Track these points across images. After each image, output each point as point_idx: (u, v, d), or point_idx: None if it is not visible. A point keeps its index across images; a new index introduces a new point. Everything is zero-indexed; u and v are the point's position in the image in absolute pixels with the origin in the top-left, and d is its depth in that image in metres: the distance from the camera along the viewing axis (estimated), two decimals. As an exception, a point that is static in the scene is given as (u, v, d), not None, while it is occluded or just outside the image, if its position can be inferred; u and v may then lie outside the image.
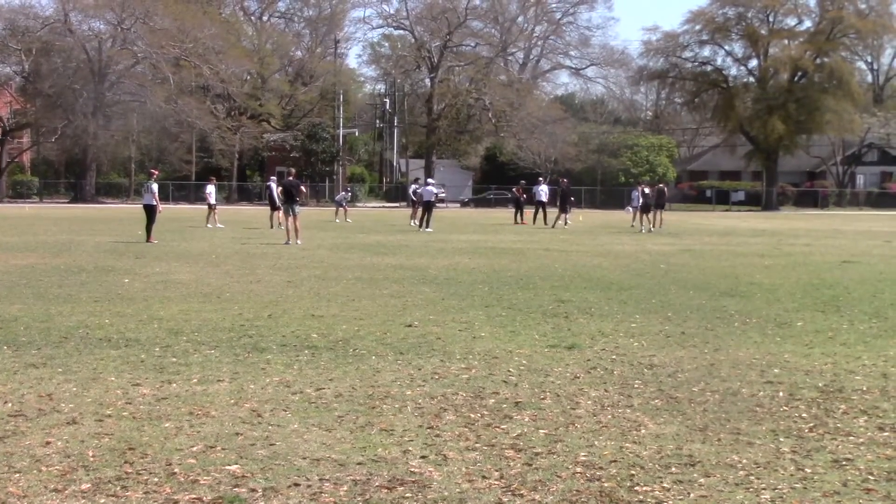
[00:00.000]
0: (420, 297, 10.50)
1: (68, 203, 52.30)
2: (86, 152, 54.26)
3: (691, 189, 67.53)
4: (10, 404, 5.29)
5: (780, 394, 5.82)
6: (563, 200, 31.02)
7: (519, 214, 32.88)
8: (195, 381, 5.99)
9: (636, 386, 5.97)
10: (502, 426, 4.94)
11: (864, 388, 5.99)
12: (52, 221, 29.30)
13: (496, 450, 4.51)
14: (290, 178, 20.92)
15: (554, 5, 69.14)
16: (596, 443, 4.65)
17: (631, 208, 29.48)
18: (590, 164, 63.69)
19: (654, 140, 64.72)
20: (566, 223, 30.25)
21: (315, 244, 19.85)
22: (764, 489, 3.99)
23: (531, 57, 71.69)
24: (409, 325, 8.34)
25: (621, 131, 68.59)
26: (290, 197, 20.17)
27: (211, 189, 29.22)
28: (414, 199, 31.23)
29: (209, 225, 26.98)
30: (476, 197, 62.68)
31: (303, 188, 21.36)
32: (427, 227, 26.83)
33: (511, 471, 4.20)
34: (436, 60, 61.95)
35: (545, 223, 31.15)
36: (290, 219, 20.02)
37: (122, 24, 53.21)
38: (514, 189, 34.78)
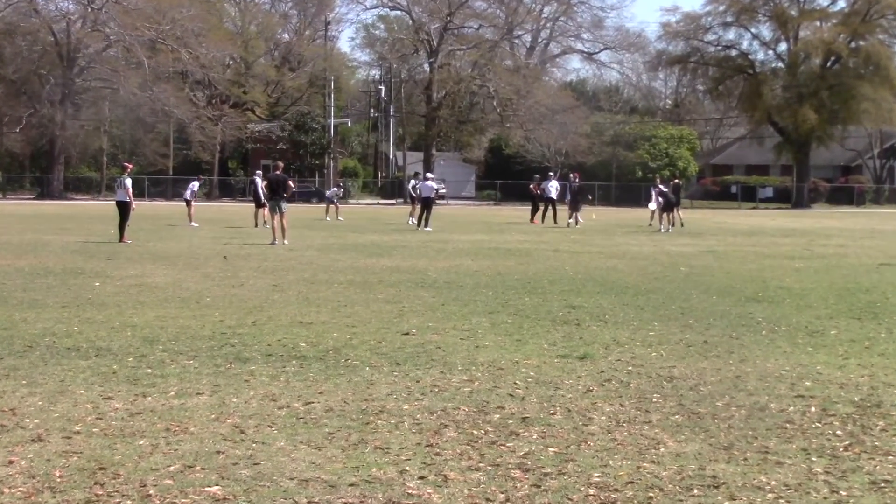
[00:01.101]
0: (418, 303, 10.50)
1: (34, 199, 52.27)
2: (53, 144, 54.33)
3: (714, 185, 67.58)
4: (-31, 419, 5.32)
5: (812, 409, 5.82)
6: (574, 197, 31.08)
7: (535, 213, 33.00)
8: (172, 394, 5.99)
9: (654, 400, 5.98)
10: (508, 444, 4.94)
11: (904, 403, 6.04)
12: (16, 219, 29.33)
13: (501, 470, 4.51)
14: (277, 172, 20.94)
15: (565, -17, 69.50)
16: (610, 462, 4.65)
17: (654, 202, 29.34)
18: (603, 157, 63.71)
19: (673, 131, 64.70)
20: (577, 222, 30.27)
21: (303, 244, 19.85)
22: (794, 513, 4.02)
23: (539, 40, 71.80)
24: (407, 333, 8.34)
25: (638, 121, 68.56)
26: (276, 193, 20.20)
27: (194, 185, 29.54)
28: (412, 195, 31.31)
29: (195, 224, 27.12)
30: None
31: (291, 184, 21.42)
32: (426, 225, 26.86)
33: (518, 493, 4.19)
34: (435, 44, 61.94)
35: (555, 222, 31.20)
36: (277, 217, 20.06)
37: (93, 4, 53.30)
38: (530, 186, 34.76)
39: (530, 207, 34.40)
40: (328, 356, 7.25)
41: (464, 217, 38.63)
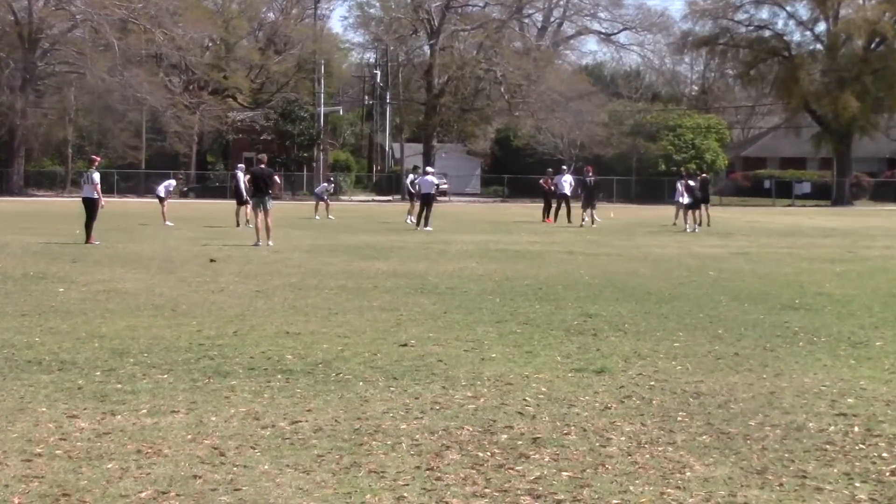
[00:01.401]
0: (417, 311, 10.52)
1: (-8, 196, 52.53)
2: (13, 134, 54.41)
3: (746, 179, 67.59)
4: (-81, 440, 5.31)
5: (856, 429, 5.81)
6: (589, 193, 31.10)
7: (548, 211, 33.07)
8: (144, 412, 5.99)
9: (679, 419, 5.99)
10: (517, 467, 4.95)
11: (958, 422, 6.03)
12: (-29, 218, 29.49)
13: (510, 496, 4.51)
14: (261, 165, 20.98)
15: (579, -44, 69.57)
16: (631, 488, 4.64)
17: (683, 196, 29.23)
18: (623, 149, 63.72)
19: (700, 120, 64.70)
20: (594, 221, 30.34)
21: (290, 246, 19.90)
22: (836, 545, 4.01)
23: (552, 20, 71.83)
24: (405, 345, 8.34)
25: (661, 109, 68.62)
26: (260, 189, 20.24)
27: (170, 184, 29.66)
28: (410, 191, 31.35)
29: (169, 223, 27.25)
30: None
31: (276, 178, 21.39)
32: (426, 225, 26.91)
33: (528, 522, 4.23)
34: (436, 24, 62.02)
35: (569, 221, 31.21)
36: (261, 215, 20.10)
37: (57, -21, 53.53)
38: (541, 181, 34.87)
39: (542, 205, 34.42)
40: (317, 370, 7.27)
41: (468, 215, 38.54)
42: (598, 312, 10.51)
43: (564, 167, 37.21)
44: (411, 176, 32.28)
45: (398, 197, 58.40)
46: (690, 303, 11.41)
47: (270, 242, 19.75)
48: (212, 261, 16.37)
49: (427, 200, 27.51)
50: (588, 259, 17.73)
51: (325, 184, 36.72)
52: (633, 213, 43.12)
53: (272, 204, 20.61)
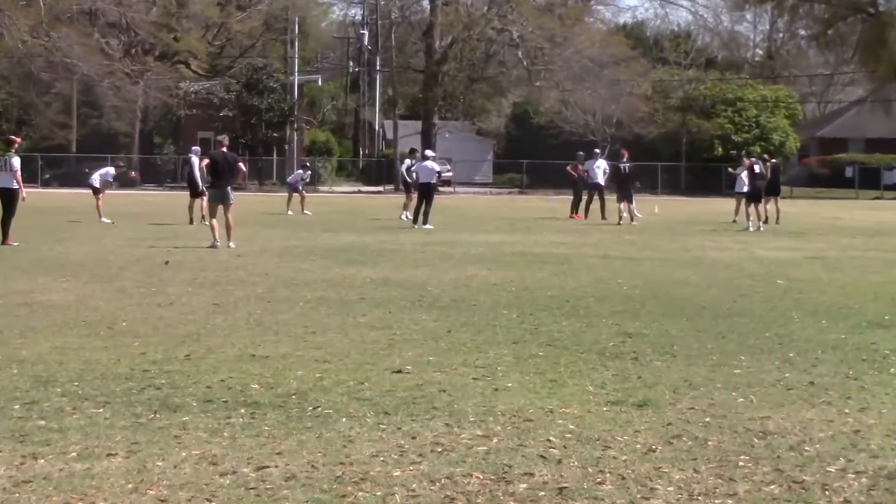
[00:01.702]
0: (415, 329, 10.53)
1: None
2: None
3: (823, 166, 67.51)
4: None
5: (961, 477, 5.89)
6: (624, 183, 31.11)
7: (577, 205, 33.21)
8: (74, 454, 5.96)
9: (741, 464, 5.97)
10: (539, 525, 4.96)
11: None
12: None
13: (529, 561, 4.53)
14: (222, 149, 20.96)
15: None
16: (681, 551, 4.68)
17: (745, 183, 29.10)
18: (670, 127, 63.71)
19: (766, 92, 64.66)
20: (633, 217, 30.38)
21: (256, 248, 19.95)
22: None
23: (581, -33, 71.90)
24: (399, 371, 8.33)
25: (717, 79, 68.56)
26: (221, 178, 20.25)
27: (108, 172, 29.94)
28: (406, 180, 31.44)
29: (105, 219, 27.39)
30: None
31: (241, 164, 21.35)
32: (425, 222, 27.02)
33: None
34: (438, -28, 62.15)
35: (602, 216, 31.26)
36: (219, 210, 20.13)
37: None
38: (568, 168, 34.94)
39: (571, 197, 34.45)
40: (290, 403, 7.26)
41: (478, 210, 38.55)
42: (640, 331, 10.50)
43: (597, 150, 37.23)
44: (407, 161, 32.22)
45: (391, 188, 58.34)
46: (754, 319, 11.40)
47: (232, 244, 19.75)
48: (166, 263, 16.36)
49: (427, 192, 27.50)
50: (627, 264, 17.72)
51: (301, 171, 36.74)
52: (683, 207, 43.07)
53: (234, 196, 20.61)
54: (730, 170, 31.72)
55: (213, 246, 19.64)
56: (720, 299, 13.12)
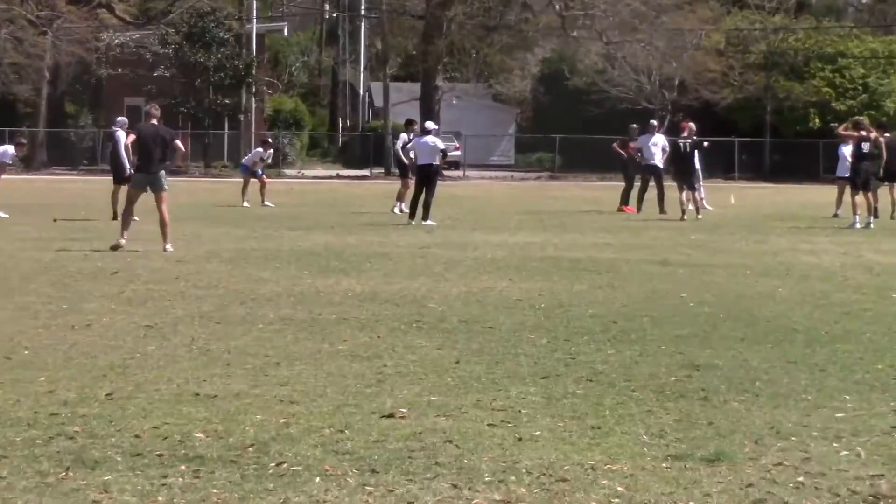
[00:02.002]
0: (412, 359, 10.40)
1: None
2: None
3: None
4: None
5: None
6: (683, 164, 31.02)
7: (628, 194, 33.52)
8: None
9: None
10: None
11: None
12: None
13: None
14: (153, 121, 20.94)
15: None
16: None
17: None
18: (750, 92, 63.33)
19: (876, 45, 64.71)
20: (698, 210, 30.32)
21: (202, 252, 20.05)
22: None
23: None
24: (391, 416, 8.24)
25: (811, 28, 68.52)
26: (150, 159, 20.33)
27: (3, 151, 30.28)
28: (404, 161, 31.19)
29: (2, 213, 27.78)
30: None
31: (178, 143, 21.47)
32: (426, 217, 27.08)
33: None
34: None
35: (661, 209, 31.38)
36: (143, 199, 20.33)
37: None
38: (615, 144, 35.22)
39: (622, 183, 34.56)
40: (245, 457, 7.19)
41: (496, 201, 38.91)
42: (711, 362, 10.35)
43: (653, 122, 36.97)
44: (403, 137, 32.07)
45: (379, 171, 58.56)
46: (862, 346, 11.26)
47: (168, 246, 19.77)
48: (114, 273, 16.43)
49: (427, 177, 27.49)
50: (693, 273, 17.69)
51: (260, 150, 36.82)
52: (767, 196, 43.76)
53: (168, 183, 20.65)
54: (837, 130, 30.82)
55: (116, 247, 19.55)
56: (817, 320, 13.03)
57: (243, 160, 38.21)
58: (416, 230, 25.74)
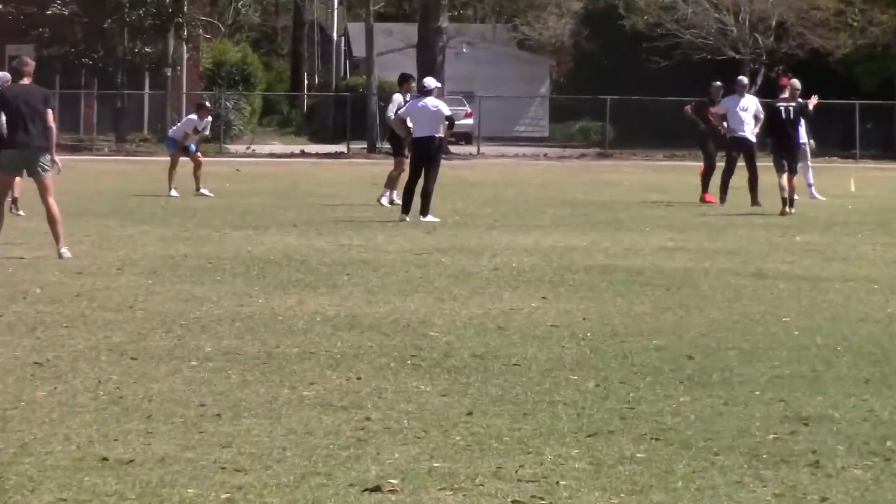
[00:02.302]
0: (406, 410, 9.93)
1: None
2: None
3: None
4: None
5: None
6: (783, 137, 30.68)
7: (708, 177, 33.46)
8: None
9: None
10: None
11: None
12: None
13: None
14: (25, 80, 20.90)
15: None
16: None
17: None
18: (874, 37, 63.06)
19: None
20: (792, 203, 29.86)
21: (112, 259, 20.11)
22: None
23: None
24: (376, 489, 7.81)
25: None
26: (23, 131, 20.12)
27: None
28: (399, 133, 30.82)
29: None
30: None
31: (50, 116, 20.92)
32: (425, 211, 26.96)
33: None
34: None
35: (754, 199, 31.25)
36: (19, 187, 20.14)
37: None
38: (687, 108, 34.86)
39: (700, 164, 34.32)
40: None
41: (522, 187, 39.80)
42: (824, 412, 9.85)
43: (743, 79, 36.06)
44: (396, 99, 31.76)
45: (360, 147, 58.42)
46: None
47: (64, 250, 19.66)
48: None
49: (427, 154, 27.19)
50: (799, 289, 17.25)
51: (194, 117, 36.66)
52: None
53: (56, 164, 20.33)
54: None
55: None
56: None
57: (170, 132, 38.00)
58: (412, 229, 25.73)
